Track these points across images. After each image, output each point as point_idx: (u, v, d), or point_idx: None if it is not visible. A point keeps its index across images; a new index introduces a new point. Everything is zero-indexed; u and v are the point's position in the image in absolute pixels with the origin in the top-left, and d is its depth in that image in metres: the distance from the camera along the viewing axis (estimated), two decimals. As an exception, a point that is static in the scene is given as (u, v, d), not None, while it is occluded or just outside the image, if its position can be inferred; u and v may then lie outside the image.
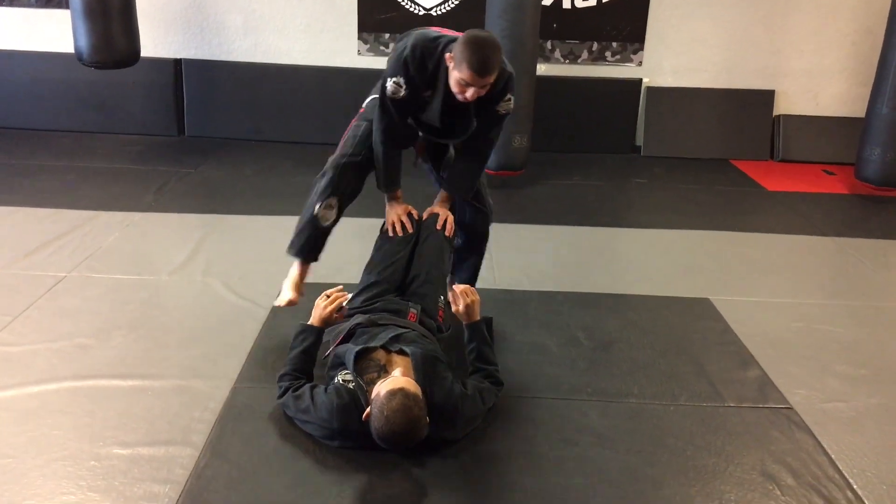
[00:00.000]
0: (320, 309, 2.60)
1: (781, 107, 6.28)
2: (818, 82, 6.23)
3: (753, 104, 6.25)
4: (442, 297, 2.83)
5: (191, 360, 2.86)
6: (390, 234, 2.92)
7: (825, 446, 2.50)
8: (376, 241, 2.98)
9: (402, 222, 2.92)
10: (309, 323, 2.62)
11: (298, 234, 2.99)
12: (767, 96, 6.24)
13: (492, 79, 2.57)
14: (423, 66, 2.67)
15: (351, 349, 2.44)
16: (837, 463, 2.42)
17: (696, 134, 6.25)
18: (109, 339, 2.97)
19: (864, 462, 2.43)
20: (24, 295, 3.28)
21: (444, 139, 2.92)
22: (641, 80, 6.17)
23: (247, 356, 2.88)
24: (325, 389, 2.38)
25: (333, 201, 2.91)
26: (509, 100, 2.77)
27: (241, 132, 6.09)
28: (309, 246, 2.98)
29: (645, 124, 6.24)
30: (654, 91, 6.20)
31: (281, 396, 2.49)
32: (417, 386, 2.27)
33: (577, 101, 6.12)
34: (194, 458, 2.31)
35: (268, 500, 2.15)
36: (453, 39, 2.64)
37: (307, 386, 2.45)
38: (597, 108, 6.17)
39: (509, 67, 2.73)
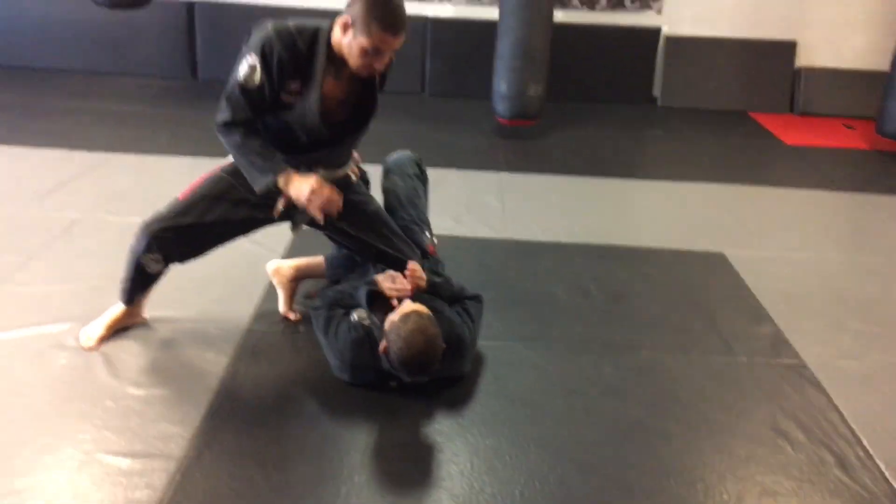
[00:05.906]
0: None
1: (803, 58, 6.15)
2: (841, 33, 6.09)
3: (774, 55, 6.12)
4: (428, 234, 2.84)
5: (205, 302, 2.87)
6: (318, 217, 2.34)
7: (837, 403, 2.49)
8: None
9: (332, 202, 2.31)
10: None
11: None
12: (788, 47, 6.10)
13: (403, 38, 2.18)
14: (292, 47, 2.21)
15: (362, 287, 2.50)
16: (849, 420, 2.42)
17: (715, 85, 6.14)
18: (123, 282, 2.98)
19: (875, 419, 2.43)
20: (39, 236, 3.29)
21: (328, 151, 2.45)
22: (660, 28, 6.05)
23: (260, 300, 2.89)
24: (348, 327, 2.40)
25: (158, 257, 2.51)
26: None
27: (254, 76, 6.01)
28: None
29: (663, 75, 6.13)
30: (672, 40, 6.08)
31: (317, 308, 2.52)
32: (427, 309, 2.31)
33: (594, 49, 6.01)
34: (208, 399, 2.33)
35: (279, 443, 2.18)
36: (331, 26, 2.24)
37: (341, 312, 2.47)
38: (614, 57, 6.06)
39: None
